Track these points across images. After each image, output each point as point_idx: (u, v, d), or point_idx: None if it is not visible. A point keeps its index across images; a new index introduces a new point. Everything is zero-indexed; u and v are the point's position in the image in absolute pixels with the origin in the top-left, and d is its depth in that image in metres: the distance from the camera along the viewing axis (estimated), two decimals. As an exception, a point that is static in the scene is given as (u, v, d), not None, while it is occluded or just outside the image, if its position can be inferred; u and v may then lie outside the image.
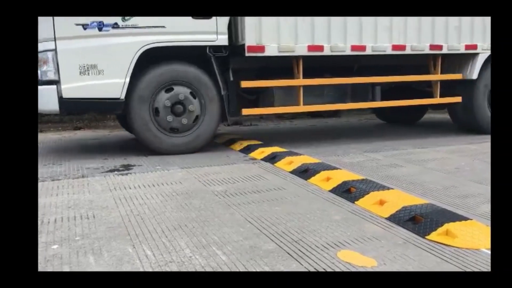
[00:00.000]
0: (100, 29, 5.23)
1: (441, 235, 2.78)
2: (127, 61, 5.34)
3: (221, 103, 5.83)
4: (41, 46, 5.16)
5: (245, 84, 5.89)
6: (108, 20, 5.22)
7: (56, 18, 5.04)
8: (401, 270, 2.35)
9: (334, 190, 3.85)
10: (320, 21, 5.96)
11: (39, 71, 5.21)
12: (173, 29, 5.44)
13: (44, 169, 4.99)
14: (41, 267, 2.44)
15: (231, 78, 5.95)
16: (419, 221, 2.98)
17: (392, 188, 3.77)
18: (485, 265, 2.39)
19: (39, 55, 5.18)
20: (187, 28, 5.50)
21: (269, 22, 5.74)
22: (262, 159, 5.29)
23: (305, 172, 4.44)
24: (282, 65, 6.18)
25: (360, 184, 3.82)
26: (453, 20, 6.66)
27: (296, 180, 4.29)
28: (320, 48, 6.04)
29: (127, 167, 5.03)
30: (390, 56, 6.55)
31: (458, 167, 4.82)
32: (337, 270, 2.36)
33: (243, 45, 5.71)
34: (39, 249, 2.66)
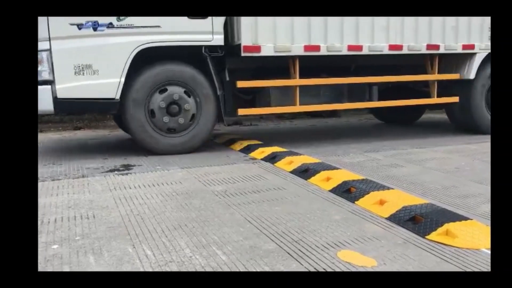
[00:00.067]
0: (95, 29, 5.21)
1: (441, 235, 2.78)
2: (122, 61, 5.32)
3: (217, 103, 5.81)
4: None
5: (241, 84, 5.86)
6: (103, 20, 5.20)
7: (50, 18, 5.02)
8: (401, 270, 2.35)
9: (334, 190, 3.85)
10: (316, 21, 5.95)
11: None
12: (169, 29, 5.42)
13: (44, 169, 5.00)
14: (41, 267, 2.44)
15: (227, 78, 5.93)
16: (419, 221, 2.98)
17: (392, 188, 3.77)
18: (485, 265, 2.39)
19: None
20: (182, 28, 5.48)
21: (265, 22, 5.73)
22: (262, 159, 5.29)
23: (305, 172, 4.44)
24: (279, 65, 6.16)
25: (360, 184, 3.82)
26: (450, 20, 6.64)
27: (296, 180, 4.29)
28: (317, 48, 6.02)
29: (127, 167, 5.03)
30: (387, 56, 6.54)
31: (458, 167, 4.82)
32: (337, 270, 2.36)
33: (239, 45, 5.70)
34: (39, 249, 2.67)
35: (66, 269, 2.42)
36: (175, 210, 3.39)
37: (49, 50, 5.11)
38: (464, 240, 2.69)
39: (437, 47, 6.65)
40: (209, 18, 5.53)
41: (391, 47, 6.37)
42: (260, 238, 2.81)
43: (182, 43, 5.53)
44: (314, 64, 6.31)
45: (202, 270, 2.38)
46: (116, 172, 4.79)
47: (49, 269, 2.42)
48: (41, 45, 5.11)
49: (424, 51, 6.60)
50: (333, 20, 6.03)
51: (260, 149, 5.66)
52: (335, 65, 6.57)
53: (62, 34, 5.13)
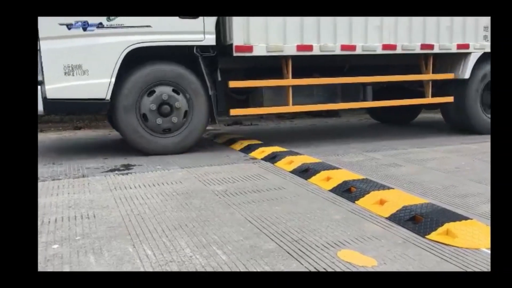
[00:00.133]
0: (84, 29, 5.18)
1: (441, 234, 2.79)
2: (113, 61, 5.29)
3: (209, 103, 5.77)
4: None
5: (233, 84, 5.83)
6: (92, 19, 5.17)
7: (39, 18, 4.95)
8: (401, 270, 2.36)
9: (334, 190, 3.85)
10: (309, 21, 5.91)
11: None
12: (159, 29, 5.39)
13: (44, 169, 5.00)
14: (42, 267, 2.44)
15: (219, 78, 5.90)
16: (419, 220, 2.99)
17: (392, 188, 3.77)
18: (485, 265, 2.40)
19: None
20: (173, 28, 5.44)
21: (257, 21, 5.70)
22: (262, 159, 5.29)
23: (305, 172, 4.44)
24: (272, 65, 6.12)
25: (360, 184, 3.82)
26: (445, 20, 6.61)
27: (296, 180, 4.29)
28: (309, 48, 5.99)
29: (127, 167, 5.03)
30: (381, 56, 6.51)
31: (458, 166, 4.82)
32: (337, 269, 2.37)
33: (231, 45, 5.66)
34: (40, 249, 2.67)
35: (66, 268, 2.42)
36: (175, 210, 3.39)
37: (39, 50, 5.08)
38: (464, 239, 2.70)
39: (431, 46, 6.62)
40: (201, 18, 5.49)
41: (385, 46, 6.34)
42: (260, 238, 2.81)
43: (173, 43, 5.49)
44: (307, 64, 6.28)
45: (203, 269, 2.38)
46: (116, 172, 4.79)
47: (50, 268, 2.43)
48: None
49: (418, 50, 6.57)
50: (326, 20, 5.99)
51: (260, 149, 5.66)
52: (329, 65, 6.53)
53: (52, 34, 5.10)
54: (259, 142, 6.23)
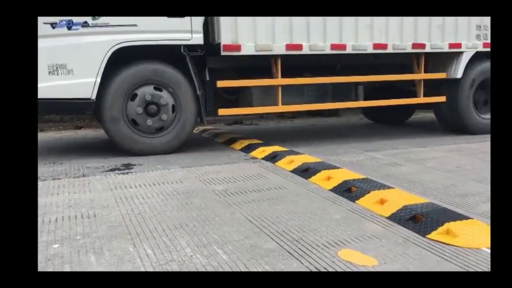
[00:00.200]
0: (69, 28, 5.15)
1: (441, 234, 2.79)
2: (98, 60, 5.24)
3: (197, 103, 5.72)
4: None
5: (220, 84, 5.78)
6: (77, 18, 5.13)
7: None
8: (401, 269, 2.36)
9: (335, 189, 3.85)
10: (298, 20, 5.87)
11: None
12: (146, 28, 5.34)
13: (45, 168, 5.00)
14: (42, 266, 2.44)
15: (207, 78, 5.84)
16: (420, 220, 2.99)
17: (392, 187, 3.77)
18: (485, 265, 2.40)
19: None
20: (160, 27, 5.38)
21: (245, 20, 5.65)
22: (262, 158, 5.29)
23: (305, 171, 4.45)
24: (263, 65, 6.08)
25: (361, 183, 3.82)
26: (436, 19, 6.56)
27: (296, 179, 4.29)
28: (299, 47, 5.94)
29: (127, 166, 5.03)
30: (373, 55, 6.48)
31: (459, 166, 4.82)
32: (338, 269, 2.37)
33: (219, 44, 5.62)
34: (40, 248, 2.67)
35: (67, 268, 2.42)
36: (176, 209, 3.39)
37: None
38: (465, 239, 2.70)
39: (422, 45, 6.58)
40: (188, 16, 5.44)
41: (376, 46, 6.30)
42: (261, 237, 2.81)
43: (159, 42, 5.44)
44: (298, 63, 6.24)
45: (203, 269, 2.38)
46: (116, 171, 4.79)
47: (50, 268, 2.43)
48: None
49: (409, 50, 6.53)
50: (316, 19, 5.95)
51: (261, 148, 5.66)
52: (321, 65, 6.49)
53: None
54: (260, 141, 6.23)
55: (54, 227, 3.05)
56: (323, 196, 3.72)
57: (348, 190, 3.77)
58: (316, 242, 2.72)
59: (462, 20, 6.75)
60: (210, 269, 2.38)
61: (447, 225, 2.83)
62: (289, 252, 2.58)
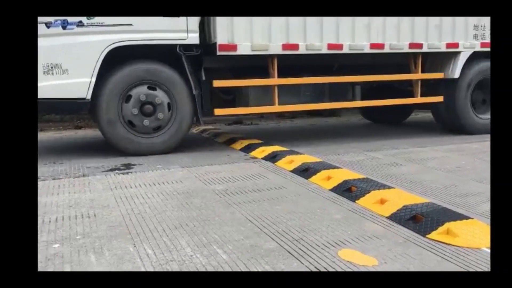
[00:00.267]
0: (64, 28, 5.13)
1: (442, 234, 2.79)
2: (93, 60, 5.22)
3: (193, 102, 5.70)
4: None
5: (217, 83, 5.76)
6: (72, 18, 5.11)
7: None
8: (402, 269, 2.35)
9: (335, 189, 3.85)
10: (295, 20, 5.85)
11: None
12: (141, 27, 5.31)
13: (45, 168, 5.00)
14: (42, 266, 2.44)
15: (203, 78, 5.81)
16: (420, 220, 2.98)
17: (392, 187, 3.77)
18: (486, 264, 2.39)
19: None
20: (155, 26, 5.35)
21: (241, 20, 5.63)
22: (262, 158, 5.29)
23: (305, 171, 4.44)
24: (259, 64, 6.05)
25: (361, 183, 3.82)
26: (434, 18, 6.54)
27: (296, 179, 4.29)
28: (295, 46, 5.92)
29: (128, 166, 5.03)
30: (370, 55, 6.46)
31: (459, 166, 4.82)
32: (338, 269, 2.36)
33: (215, 43, 5.59)
34: (41, 248, 2.67)
35: (67, 268, 2.42)
36: (176, 209, 3.39)
37: None
38: (465, 239, 2.69)
39: (420, 45, 6.56)
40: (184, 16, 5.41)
41: (373, 45, 6.28)
42: (261, 237, 2.81)
43: (155, 41, 5.41)
44: (295, 63, 6.22)
45: (203, 269, 2.38)
46: (116, 171, 4.79)
47: (50, 268, 2.43)
48: None
49: (406, 49, 6.51)
50: (312, 19, 5.92)
51: (261, 148, 5.66)
52: (318, 64, 6.46)
53: None
54: (260, 141, 6.22)
55: (54, 227, 3.05)
56: (323, 196, 3.71)
57: (348, 190, 3.76)
58: (316, 242, 2.71)
59: (460, 20, 6.72)
60: (210, 269, 2.38)
61: (447, 225, 2.83)
62: (289, 252, 2.58)
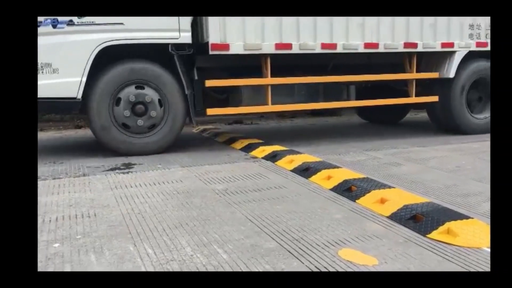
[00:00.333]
0: (54, 26, 5.10)
1: (442, 233, 2.78)
2: (84, 59, 5.19)
3: (185, 102, 5.67)
4: None
5: (209, 83, 5.72)
6: (63, 17, 5.08)
7: None
8: (402, 269, 2.35)
9: (335, 189, 3.85)
10: (288, 19, 5.81)
11: None
12: (132, 26, 5.27)
13: (45, 168, 5.00)
14: (42, 266, 2.44)
15: (196, 77, 5.79)
16: (420, 219, 2.98)
17: (393, 187, 3.77)
18: (486, 264, 2.39)
19: None
20: (147, 25, 5.31)
21: (234, 19, 5.59)
22: (263, 158, 5.29)
23: (306, 171, 4.44)
24: (253, 64, 6.01)
25: (361, 183, 3.82)
26: (429, 18, 6.50)
27: (297, 179, 4.29)
28: (289, 46, 5.88)
29: (128, 166, 5.03)
30: (365, 55, 6.43)
31: (459, 165, 4.82)
32: (338, 268, 2.36)
33: (208, 43, 5.56)
34: (41, 248, 2.67)
35: (67, 267, 2.42)
36: (176, 209, 3.39)
37: None
38: (465, 239, 2.69)
39: (414, 45, 6.52)
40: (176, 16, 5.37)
41: (367, 45, 6.25)
42: (261, 237, 2.81)
43: (146, 40, 5.38)
44: (289, 63, 6.19)
45: (203, 268, 2.38)
46: (117, 170, 4.79)
47: (51, 267, 2.43)
48: None
49: (401, 49, 6.47)
50: (306, 18, 5.88)
51: (261, 148, 5.66)
52: (312, 64, 6.43)
53: None
54: (260, 141, 6.22)
55: (55, 227, 3.05)
56: (324, 196, 3.71)
57: (349, 190, 3.76)
58: (316, 242, 2.71)
59: (455, 19, 6.69)
60: (210, 268, 2.38)
61: (447, 225, 2.83)
62: (289, 252, 2.58)
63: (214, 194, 3.79)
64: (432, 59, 6.96)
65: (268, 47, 5.82)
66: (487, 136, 6.32)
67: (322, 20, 5.98)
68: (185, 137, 5.89)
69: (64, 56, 5.17)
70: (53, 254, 2.59)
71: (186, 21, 5.48)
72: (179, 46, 5.57)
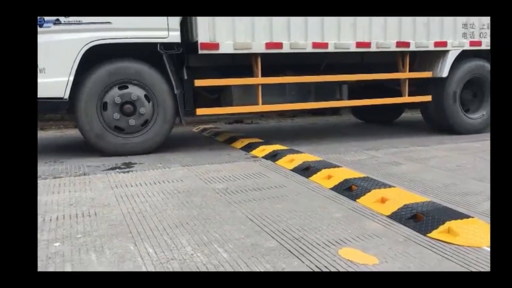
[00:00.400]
0: (40, 26, 5.05)
1: (442, 233, 2.79)
2: (71, 59, 5.15)
3: (174, 102, 5.62)
4: None
5: (198, 82, 5.67)
6: (49, 16, 5.03)
7: None
8: (402, 268, 2.36)
9: (335, 188, 3.86)
10: (279, 18, 5.75)
11: None
12: (120, 25, 5.22)
13: (45, 167, 5.00)
14: (43, 265, 2.44)
15: (185, 77, 5.74)
16: (421, 219, 2.99)
17: (393, 186, 3.77)
18: (486, 263, 2.40)
19: None
20: (135, 24, 5.25)
21: (223, 18, 5.54)
22: (263, 157, 5.29)
23: (306, 170, 4.45)
24: (243, 63, 5.96)
25: (361, 182, 3.82)
26: (421, 17, 6.45)
27: (297, 178, 4.29)
28: (279, 45, 5.83)
29: (128, 165, 5.03)
30: (358, 54, 6.38)
31: (459, 164, 4.82)
32: (339, 267, 2.37)
33: (197, 42, 5.51)
34: (41, 247, 2.67)
35: (68, 266, 2.43)
36: (177, 208, 3.39)
37: None
38: (466, 238, 2.70)
39: (407, 44, 6.47)
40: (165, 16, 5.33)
41: (359, 44, 6.19)
42: (261, 236, 2.81)
43: (134, 40, 5.32)
44: (281, 62, 6.15)
45: (204, 268, 2.38)
46: (117, 170, 4.79)
47: (51, 266, 2.43)
48: None
49: (393, 48, 6.42)
50: (297, 18, 5.83)
51: (261, 147, 5.66)
52: (304, 64, 6.38)
53: None
54: (260, 140, 6.23)
55: (55, 226, 3.05)
56: (324, 195, 3.72)
57: (349, 189, 3.77)
58: (316, 241, 2.72)
59: (448, 18, 6.64)
60: (210, 267, 2.39)
61: (447, 224, 2.83)
62: (289, 251, 2.58)
63: (214, 193, 3.79)
64: (426, 59, 6.93)
65: (258, 47, 5.76)
66: (487, 136, 6.33)
67: (313, 20, 5.93)
68: (186, 136, 5.89)
69: (50, 56, 5.11)
70: (53, 253, 2.59)
71: (175, 20, 5.43)
72: (168, 46, 5.52)
